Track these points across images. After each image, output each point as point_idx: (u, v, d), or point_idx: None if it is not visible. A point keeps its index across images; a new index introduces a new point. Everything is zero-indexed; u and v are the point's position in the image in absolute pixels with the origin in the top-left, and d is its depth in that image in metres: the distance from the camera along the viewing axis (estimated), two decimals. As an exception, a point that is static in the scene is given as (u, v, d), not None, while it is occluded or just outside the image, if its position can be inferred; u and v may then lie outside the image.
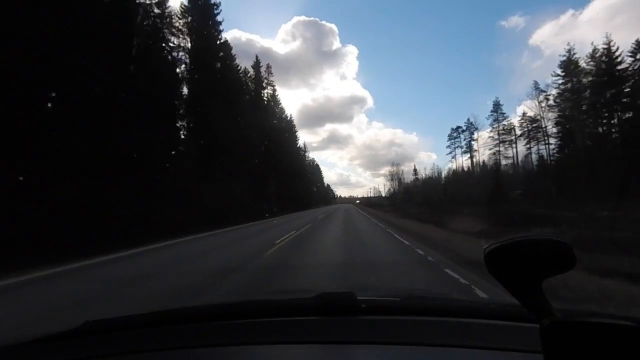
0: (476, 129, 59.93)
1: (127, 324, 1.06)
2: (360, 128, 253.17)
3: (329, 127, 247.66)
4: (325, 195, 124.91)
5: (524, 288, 0.53)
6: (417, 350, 0.85)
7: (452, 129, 64.94)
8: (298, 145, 54.21)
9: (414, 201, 42.31)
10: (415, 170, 76.46)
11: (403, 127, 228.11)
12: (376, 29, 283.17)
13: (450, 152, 65.28)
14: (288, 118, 50.65)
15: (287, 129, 48.79)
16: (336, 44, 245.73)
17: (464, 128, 62.41)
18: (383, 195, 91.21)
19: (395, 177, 75.69)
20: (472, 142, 60.48)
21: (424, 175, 71.96)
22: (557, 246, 0.51)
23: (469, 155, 61.83)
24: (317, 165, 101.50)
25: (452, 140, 64.49)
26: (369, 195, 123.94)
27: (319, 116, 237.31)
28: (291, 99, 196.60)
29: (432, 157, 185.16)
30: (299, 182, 49.66)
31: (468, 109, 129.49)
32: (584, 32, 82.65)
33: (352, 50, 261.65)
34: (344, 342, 0.90)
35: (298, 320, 1.00)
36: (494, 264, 0.52)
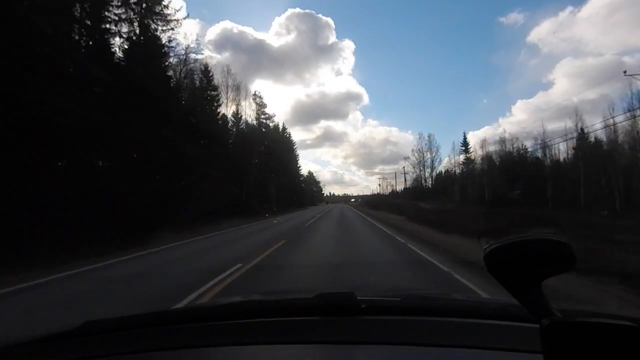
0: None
1: (127, 324, 1.06)
2: (355, 126, 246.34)
3: (323, 124, 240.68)
4: (297, 189, 63.70)
5: (524, 288, 0.53)
6: (417, 350, 0.85)
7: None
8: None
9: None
10: (465, 143, 47.45)
11: (398, 125, 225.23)
12: (374, 24, 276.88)
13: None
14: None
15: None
16: (332, 38, 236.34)
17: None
18: (398, 191, 61.01)
19: (424, 161, 50.22)
20: None
21: (479, 157, 45.73)
22: (557, 246, 0.51)
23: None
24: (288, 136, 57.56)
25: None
26: (373, 193, 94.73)
27: (313, 113, 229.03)
28: (285, 94, 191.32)
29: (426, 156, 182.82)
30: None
31: (466, 108, 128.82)
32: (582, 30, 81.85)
33: (348, 45, 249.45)
34: (343, 342, 0.89)
35: (298, 321, 1.00)
36: (493, 264, 0.52)
